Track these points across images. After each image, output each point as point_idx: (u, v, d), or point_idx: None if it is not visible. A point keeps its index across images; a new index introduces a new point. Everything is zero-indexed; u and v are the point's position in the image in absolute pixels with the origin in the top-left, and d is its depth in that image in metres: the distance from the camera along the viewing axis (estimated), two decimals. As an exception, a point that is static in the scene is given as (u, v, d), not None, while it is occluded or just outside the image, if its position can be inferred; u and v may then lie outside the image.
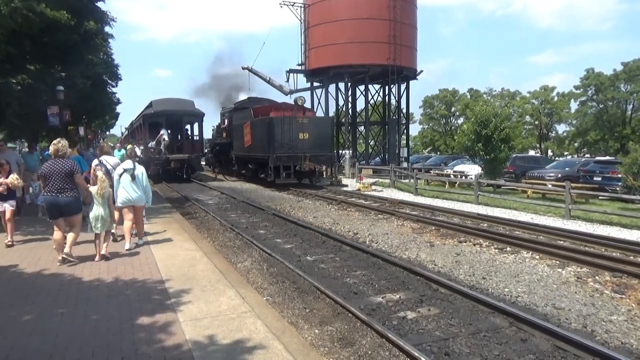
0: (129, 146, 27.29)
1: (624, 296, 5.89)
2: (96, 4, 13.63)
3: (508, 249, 8.32)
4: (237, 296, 5.21)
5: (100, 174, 6.95)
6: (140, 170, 7.78)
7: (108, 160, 8.35)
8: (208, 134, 36.59)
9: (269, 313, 4.75)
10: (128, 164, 7.68)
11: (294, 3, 31.43)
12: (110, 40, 25.92)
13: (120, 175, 7.52)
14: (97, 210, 6.79)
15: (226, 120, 26.99)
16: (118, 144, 31.81)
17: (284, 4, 31.37)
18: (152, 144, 22.90)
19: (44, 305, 4.85)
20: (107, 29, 18.64)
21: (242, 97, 30.22)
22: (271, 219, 11.80)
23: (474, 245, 8.67)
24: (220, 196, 17.36)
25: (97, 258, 6.80)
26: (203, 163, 31.08)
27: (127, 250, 7.43)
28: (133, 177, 7.54)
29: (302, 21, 31.46)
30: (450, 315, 5.23)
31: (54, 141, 6.77)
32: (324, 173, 21.06)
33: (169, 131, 23.22)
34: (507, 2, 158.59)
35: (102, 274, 6.09)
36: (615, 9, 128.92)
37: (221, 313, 4.64)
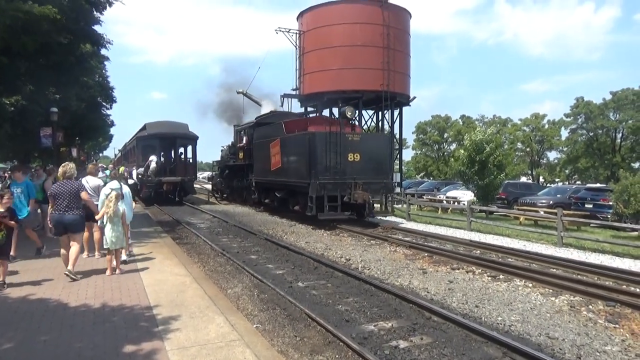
0: (122, 168, 27.30)
1: (617, 326, 5.84)
2: (93, 27, 13.75)
3: (501, 276, 8.27)
4: (226, 323, 5.11)
5: (113, 194, 7.52)
6: (127, 189, 8.23)
7: (88, 180, 8.58)
8: (205, 157, 36.16)
9: (259, 341, 4.64)
10: (115, 184, 7.99)
11: (290, 29, 31.90)
12: (106, 62, 26.20)
13: (107, 195, 7.78)
14: (111, 228, 7.37)
15: (244, 138, 21.96)
16: (111, 165, 31.71)
17: (280, 30, 31.81)
18: (140, 169, 22.89)
19: (27, 332, 4.72)
20: (103, 51, 18.81)
21: (263, 110, 26.92)
22: (263, 244, 11.70)
23: (467, 272, 8.61)
24: (212, 219, 17.23)
25: (108, 272, 7.31)
26: (197, 186, 30.97)
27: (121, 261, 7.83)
28: (122, 196, 7.80)
29: (297, 47, 31.86)
30: (443, 345, 5.14)
31: (63, 164, 7.49)
32: (381, 205, 15.82)
33: (162, 153, 23.06)
34: (498, 31, 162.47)
35: (89, 299, 5.96)
36: (604, 39, 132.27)
37: (209, 341, 4.53)
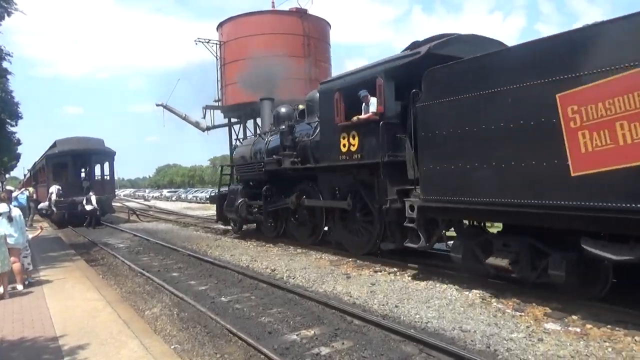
0: (31, 189, 25.32)
1: (523, 314, 6.24)
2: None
3: (421, 275, 8.57)
4: (140, 347, 4.88)
5: None
6: (17, 212, 7.92)
7: None
8: (125, 174, 34.33)
9: (174, 363, 4.47)
10: (3, 207, 7.70)
11: (209, 40, 31.45)
12: (8, 76, 24.25)
13: None
14: None
15: (383, 99, 8.85)
16: (20, 186, 29.39)
17: (199, 41, 31.27)
18: (44, 204, 21.57)
19: None
20: (5, 64, 17.41)
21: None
22: (186, 260, 11.33)
23: (389, 274, 8.84)
24: (132, 238, 16.42)
25: None
26: (117, 204, 29.27)
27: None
28: (10, 219, 7.51)
29: (218, 58, 31.50)
30: (363, 347, 5.23)
31: None
32: None
33: (59, 187, 21.18)
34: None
35: (-16, 335, 5.44)
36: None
37: (119, 368, 4.29)
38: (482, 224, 7.86)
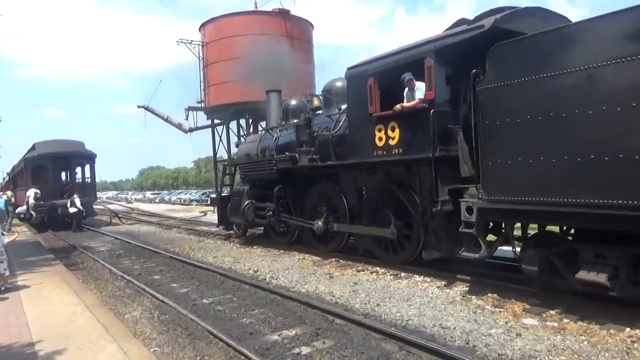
0: (9, 193, 24.91)
1: (502, 309, 6.32)
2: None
3: (402, 274, 8.61)
4: (119, 351, 4.83)
5: None
6: None
7: None
8: (108, 176, 33.85)
9: (152, 366, 4.43)
10: None
11: (192, 41, 31.22)
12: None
13: None
14: None
15: (435, 83, 7.57)
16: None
17: (182, 42, 31.02)
18: (22, 208, 21.23)
19: None
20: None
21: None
22: (168, 263, 11.22)
23: (371, 273, 8.87)
24: (114, 242, 16.20)
25: None
26: (100, 207, 28.83)
27: None
28: None
29: (200, 59, 31.29)
30: (344, 346, 5.25)
31: None
32: None
33: (37, 191, 20.69)
34: (400, 41, 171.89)
35: (-43, 342, 5.33)
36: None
37: (96, 372, 4.24)
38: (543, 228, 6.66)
